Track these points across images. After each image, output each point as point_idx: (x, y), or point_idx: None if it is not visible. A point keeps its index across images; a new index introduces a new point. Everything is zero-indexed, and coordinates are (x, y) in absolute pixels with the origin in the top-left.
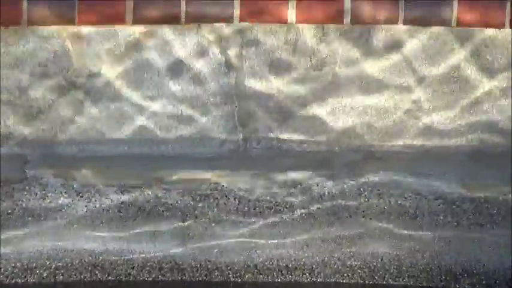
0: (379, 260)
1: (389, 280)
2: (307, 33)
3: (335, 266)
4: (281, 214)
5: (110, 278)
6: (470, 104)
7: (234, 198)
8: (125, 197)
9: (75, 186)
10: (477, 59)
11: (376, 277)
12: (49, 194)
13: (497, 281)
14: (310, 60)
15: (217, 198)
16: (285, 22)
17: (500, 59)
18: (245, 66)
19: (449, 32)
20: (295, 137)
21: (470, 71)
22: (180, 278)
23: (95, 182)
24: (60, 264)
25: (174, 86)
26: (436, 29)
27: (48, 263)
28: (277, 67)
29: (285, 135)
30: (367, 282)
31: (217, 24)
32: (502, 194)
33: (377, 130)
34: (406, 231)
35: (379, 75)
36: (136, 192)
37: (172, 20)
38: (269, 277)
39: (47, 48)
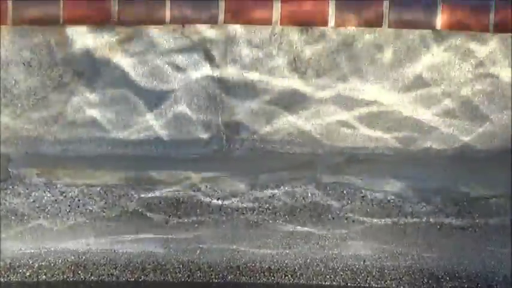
0: (362, 262)
1: (372, 283)
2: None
3: (317, 268)
4: (264, 215)
5: (92, 278)
6: None
7: (218, 199)
8: (108, 197)
9: (58, 185)
10: None
11: (358, 279)
12: (32, 194)
13: (479, 285)
14: (294, 62)
15: (200, 199)
16: (270, 23)
17: None
18: (229, 67)
19: None
20: (279, 138)
21: None
22: (162, 279)
23: (78, 181)
24: (43, 263)
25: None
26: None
27: (31, 262)
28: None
29: (268, 137)
30: (349, 284)
31: (201, 26)
32: (484, 198)
33: None
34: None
35: None
36: (120, 192)
37: (157, 21)
38: (251, 278)
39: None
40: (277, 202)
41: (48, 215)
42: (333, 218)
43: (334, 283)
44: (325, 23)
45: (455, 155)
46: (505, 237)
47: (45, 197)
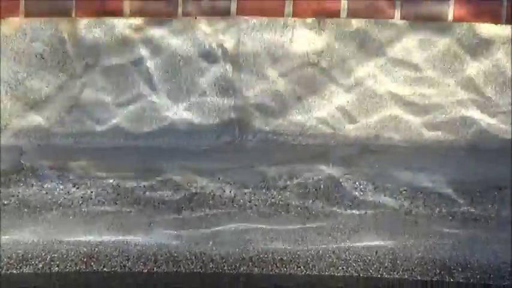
0: (374, 253)
1: (384, 273)
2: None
3: (330, 259)
4: (276, 207)
5: (105, 269)
6: None
7: (230, 191)
8: (120, 189)
9: (71, 177)
10: None
11: (370, 270)
12: (45, 186)
13: (491, 275)
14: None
15: (212, 190)
16: (282, 15)
17: None
18: (241, 60)
19: None
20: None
21: None
22: (175, 270)
23: (91, 173)
24: (55, 255)
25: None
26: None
27: (43, 254)
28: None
29: (280, 129)
30: (361, 275)
31: (213, 17)
32: (497, 188)
33: None
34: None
35: None
36: (132, 184)
37: (169, 13)
38: (264, 269)
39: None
40: (289, 194)
41: (61, 207)
42: (345, 210)
43: (346, 274)
44: (337, 14)
45: (467, 146)
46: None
47: (58, 189)
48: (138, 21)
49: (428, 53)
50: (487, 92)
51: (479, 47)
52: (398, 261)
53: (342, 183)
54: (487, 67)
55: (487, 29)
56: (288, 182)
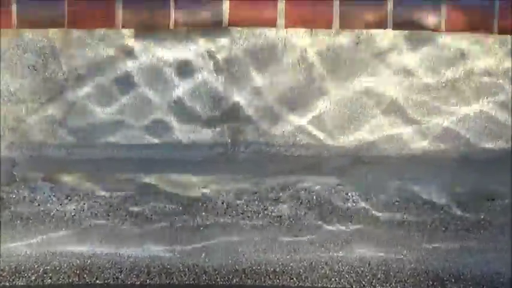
0: (367, 264)
1: (377, 285)
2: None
3: (322, 271)
4: (269, 218)
5: (98, 281)
6: None
7: (222, 202)
8: (113, 201)
9: (63, 189)
10: None
11: (363, 282)
12: (38, 197)
13: (484, 286)
14: (299, 66)
15: (205, 202)
16: (274, 26)
17: None
18: (234, 70)
19: None
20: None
21: None
22: (168, 282)
23: (84, 185)
24: (48, 267)
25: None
26: None
27: (36, 266)
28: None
29: (273, 140)
30: (354, 287)
31: (205, 29)
32: (490, 198)
33: None
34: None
35: None
36: (125, 195)
37: (161, 24)
38: (257, 281)
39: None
40: (282, 205)
41: (53, 219)
42: (338, 221)
43: (339, 286)
44: (329, 25)
45: (460, 156)
46: (510, 238)
47: (50, 201)
48: (129, 32)
49: None
50: None
51: None
52: (391, 273)
53: (335, 194)
54: None
55: None
56: (281, 194)
